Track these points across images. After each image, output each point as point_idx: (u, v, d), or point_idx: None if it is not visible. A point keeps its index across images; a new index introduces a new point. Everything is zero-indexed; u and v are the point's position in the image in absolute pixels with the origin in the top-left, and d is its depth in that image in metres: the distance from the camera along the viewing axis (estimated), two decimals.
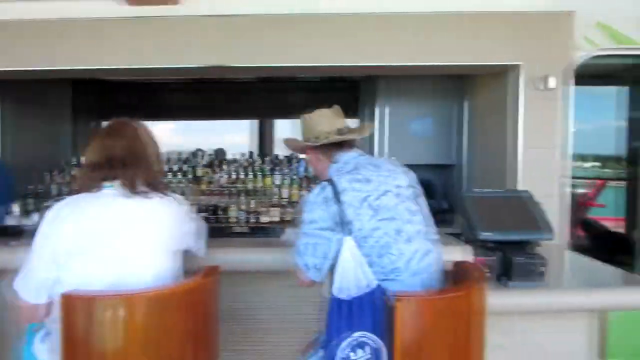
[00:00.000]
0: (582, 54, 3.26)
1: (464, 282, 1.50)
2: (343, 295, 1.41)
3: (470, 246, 2.27)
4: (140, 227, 1.49)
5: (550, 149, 3.20)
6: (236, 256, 2.03)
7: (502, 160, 3.36)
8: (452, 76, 4.13)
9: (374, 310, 1.35)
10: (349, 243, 1.46)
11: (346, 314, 1.37)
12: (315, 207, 1.54)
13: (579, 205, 6.17)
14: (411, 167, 4.55)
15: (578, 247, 5.54)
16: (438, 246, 1.63)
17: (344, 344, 1.32)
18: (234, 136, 6.14)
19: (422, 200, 1.68)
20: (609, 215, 5.40)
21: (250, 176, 4.59)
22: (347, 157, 1.66)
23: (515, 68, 3.18)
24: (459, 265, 1.62)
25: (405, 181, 1.64)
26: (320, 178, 1.70)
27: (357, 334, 1.32)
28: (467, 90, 4.16)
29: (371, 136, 4.41)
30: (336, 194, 1.51)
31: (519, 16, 3.16)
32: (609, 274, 2.43)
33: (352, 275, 1.42)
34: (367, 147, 4.58)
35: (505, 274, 2.14)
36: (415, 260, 1.50)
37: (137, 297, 1.36)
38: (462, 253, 2.03)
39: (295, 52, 3.20)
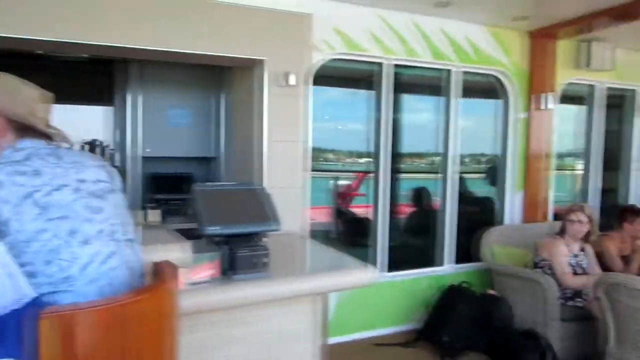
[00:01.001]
0: (321, 55, 3.52)
1: (155, 284, 1.38)
2: None
3: (205, 241, 2.22)
4: None
5: (294, 142, 3.38)
6: None
7: (252, 153, 3.41)
8: (212, 67, 4.04)
9: (22, 330, 1.11)
10: None
11: None
12: None
13: (343, 195, 6.86)
14: (170, 159, 4.31)
15: (339, 233, 6.11)
16: (132, 247, 1.46)
17: None
18: None
19: (117, 197, 1.48)
20: (369, 203, 6.09)
21: None
22: (26, 144, 1.37)
23: (260, 63, 3.24)
24: (156, 265, 1.49)
25: (93, 176, 1.42)
26: None
27: None
28: (225, 83, 4.12)
29: (122, 125, 4.04)
30: None
31: (265, 13, 3.23)
32: (335, 259, 2.63)
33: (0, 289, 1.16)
34: (118, 136, 4.18)
35: (230, 268, 2.12)
36: (94, 264, 1.30)
37: None
38: (181, 251, 1.92)
39: (37, 24, 2.69)
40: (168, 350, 1.35)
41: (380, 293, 3.95)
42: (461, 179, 5.03)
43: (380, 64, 3.88)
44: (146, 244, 2.14)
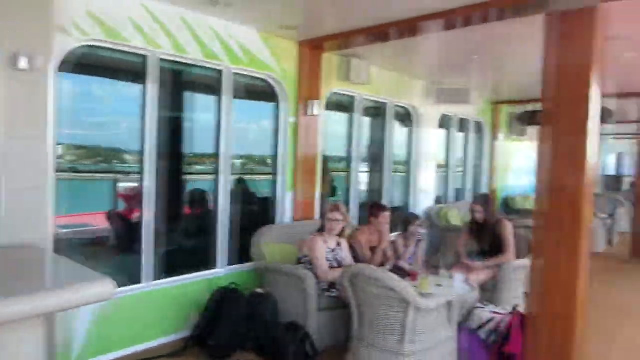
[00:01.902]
0: (73, 40, 3.12)
1: None
2: None
3: None
4: None
5: (37, 139, 2.88)
6: None
7: None
8: None
9: None
10: None
11: None
12: None
13: (129, 198, 6.29)
14: None
15: (116, 240, 5.58)
16: None
17: None
18: None
19: None
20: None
21: None
22: None
23: None
24: None
25: None
26: None
27: None
28: None
29: None
30: None
31: None
32: (70, 273, 2.32)
33: None
34: None
35: None
36: None
37: None
38: None
39: None
40: None
41: (148, 303, 3.71)
42: (245, 180, 5.10)
43: (148, 57, 3.63)
44: None
